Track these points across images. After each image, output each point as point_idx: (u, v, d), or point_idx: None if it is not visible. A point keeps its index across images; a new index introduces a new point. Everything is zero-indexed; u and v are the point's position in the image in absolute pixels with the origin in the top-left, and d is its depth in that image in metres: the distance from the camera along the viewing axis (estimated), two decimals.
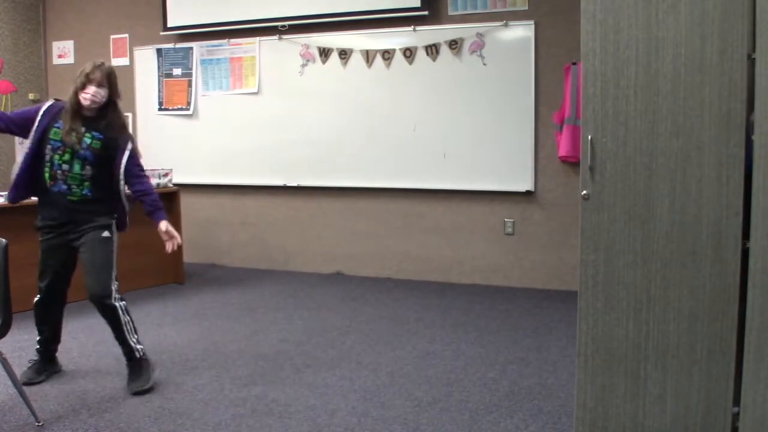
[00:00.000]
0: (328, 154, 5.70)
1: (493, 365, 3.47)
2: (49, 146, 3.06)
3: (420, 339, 3.92)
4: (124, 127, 3.21)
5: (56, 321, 3.27)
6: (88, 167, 3.09)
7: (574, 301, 2.25)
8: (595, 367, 2.22)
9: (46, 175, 3.07)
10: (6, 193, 3.30)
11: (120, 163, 3.13)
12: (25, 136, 3.08)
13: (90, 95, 3.03)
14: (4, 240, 2.65)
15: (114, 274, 3.13)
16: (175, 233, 3.20)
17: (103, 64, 3.10)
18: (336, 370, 3.40)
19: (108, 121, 3.12)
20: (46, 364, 3.29)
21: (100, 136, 3.10)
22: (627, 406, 2.20)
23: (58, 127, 3.05)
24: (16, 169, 3.25)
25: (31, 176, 3.10)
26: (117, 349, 3.36)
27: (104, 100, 3.09)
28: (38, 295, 3.18)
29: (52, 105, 3.12)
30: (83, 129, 3.07)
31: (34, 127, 3.05)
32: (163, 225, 3.17)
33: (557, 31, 5.00)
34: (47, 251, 3.13)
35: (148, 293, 5.03)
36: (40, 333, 3.25)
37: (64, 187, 3.08)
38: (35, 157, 3.07)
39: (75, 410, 2.88)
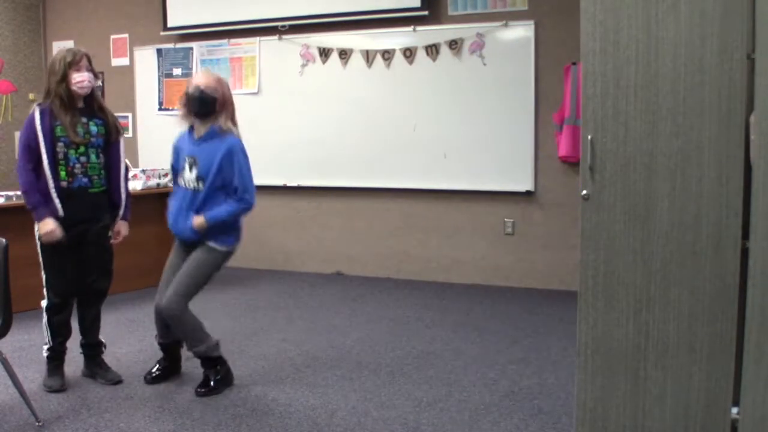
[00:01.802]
0: (328, 154, 5.70)
1: (493, 365, 3.47)
2: (60, 143, 2.93)
3: (420, 339, 3.92)
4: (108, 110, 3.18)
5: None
6: (101, 155, 3.07)
7: (574, 301, 2.24)
8: (595, 367, 2.22)
9: (62, 173, 2.94)
10: (20, 193, 3.07)
11: (120, 147, 3.14)
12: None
13: (86, 81, 2.96)
14: (4, 240, 2.65)
15: None
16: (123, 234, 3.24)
17: (80, 50, 3.01)
18: (336, 370, 3.40)
19: (99, 105, 3.10)
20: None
21: (102, 121, 3.08)
22: (627, 406, 2.20)
23: (60, 125, 2.93)
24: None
25: (40, 181, 2.94)
26: (117, 349, 3.37)
27: (93, 83, 3.02)
28: (52, 301, 3.03)
29: (42, 109, 2.93)
30: (84, 119, 3.02)
31: (40, 138, 2.89)
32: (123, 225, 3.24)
33: (557, 31, 4.99)
34: (60, 252, 2.97)
35: (148, 293, 4.99)
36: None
37: (85, 180, 3.01)
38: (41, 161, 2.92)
39: (75, 410, 2.87)
